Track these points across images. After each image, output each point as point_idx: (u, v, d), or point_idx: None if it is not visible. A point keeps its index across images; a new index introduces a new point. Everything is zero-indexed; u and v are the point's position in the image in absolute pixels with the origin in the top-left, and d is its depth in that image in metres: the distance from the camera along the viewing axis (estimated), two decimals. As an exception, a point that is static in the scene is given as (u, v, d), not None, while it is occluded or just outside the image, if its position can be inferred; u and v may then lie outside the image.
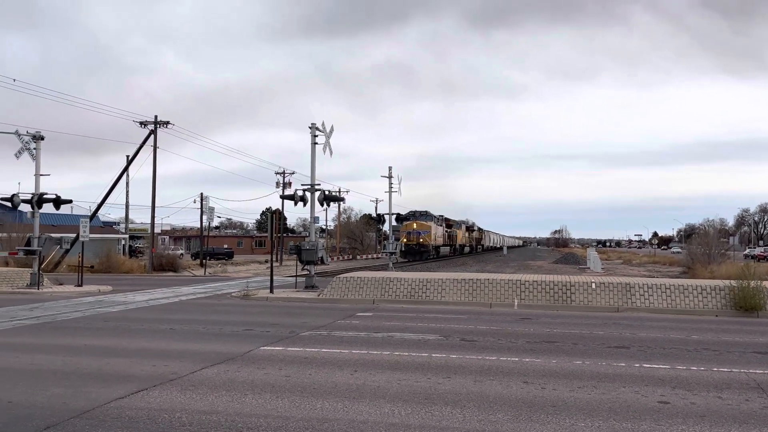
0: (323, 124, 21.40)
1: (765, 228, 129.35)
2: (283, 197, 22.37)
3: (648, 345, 11.25)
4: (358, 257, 73.31)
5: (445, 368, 9.00)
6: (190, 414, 6.54)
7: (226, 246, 79.05)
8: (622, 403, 7.09)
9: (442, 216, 70.74)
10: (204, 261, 44.60)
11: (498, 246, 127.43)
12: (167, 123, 41.51)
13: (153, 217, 42.56)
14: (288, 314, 15.73)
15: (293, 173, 59.12)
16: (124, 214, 53.55)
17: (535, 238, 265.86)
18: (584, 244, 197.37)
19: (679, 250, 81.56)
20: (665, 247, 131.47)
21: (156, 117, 41.05)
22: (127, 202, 49.62)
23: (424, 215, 61.75)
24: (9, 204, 24.14)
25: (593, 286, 17.30)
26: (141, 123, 41.14)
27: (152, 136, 40.54)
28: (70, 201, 25.16)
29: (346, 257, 72.07)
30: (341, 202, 61.80)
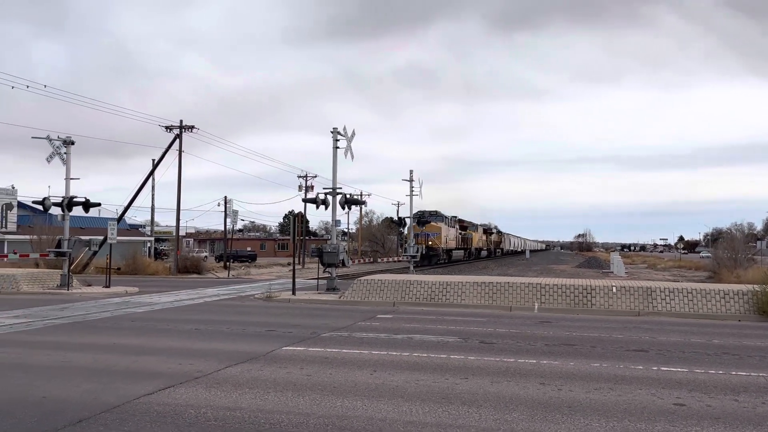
0: (344, 129, 21.70)
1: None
2: (306, 201, 22.72)
3: (667, 349, 11.27)
4: (379, 260, 73.50)
5: (463, 369, 9.15)
6: (215, 410, 6.79)
7: (249, 249, 79.90)
8: (638, 405, 7.18)
9: (455, 217, 65.66)
10: (227, 263, 45.19)
11: (519, 250, 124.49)
12: (192, 127, 42.21)
13: (178, 219, 43.27)
14: (309, 316, 15.98)
15: (315, 176, 59.57)
16: (149, 217, 54.53)
17: (558, 241, 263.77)
18: (608, 248, 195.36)
19: (708, 254, 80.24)
20: (691, 251, 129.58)
21: (181, 121, 41.79)
22: (152, 205, 50.56)
23: (434, 215, 55.97)
24: (41, 207, 24.82)
25: (614, 290, 17.28)
26: (166, 127, 41.88)
27: (177, 140, 41.26)
28: (99, 204, 25.78)
29: (367, 260, 72.36)
30: (363, 206, 62.14)
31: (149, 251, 54.72)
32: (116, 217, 40.54)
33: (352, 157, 21.59)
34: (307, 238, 73.30)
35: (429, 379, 8.46)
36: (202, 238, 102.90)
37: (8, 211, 40.08)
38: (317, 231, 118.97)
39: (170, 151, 41.34)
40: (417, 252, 31.87)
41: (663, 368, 9.38)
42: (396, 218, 44.17)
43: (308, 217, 79.82)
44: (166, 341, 11.66)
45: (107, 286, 24.18)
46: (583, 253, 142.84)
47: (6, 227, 39.74)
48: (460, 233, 67.76)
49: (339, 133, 21.59)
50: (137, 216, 72.15)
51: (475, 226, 77.98)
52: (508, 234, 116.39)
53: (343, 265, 21.82)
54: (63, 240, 24.32)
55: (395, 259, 73.95)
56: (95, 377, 8.37)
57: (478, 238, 79.24)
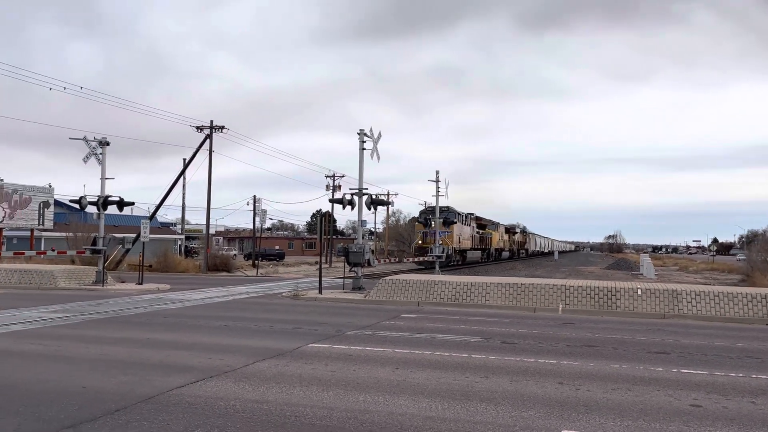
0: (371, 130, 22.02)
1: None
2: (332, 201, 23.07)
3: (690, 351, 11.30)
4: (405, 260, 73.57)
5: (483, 368, 9.35)
6: (243, 402, 7.12)
7: (277, 247, 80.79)
8: (654, 405, 7.31)
9: (472, 214, 60.07)
10: (256, 262, 45.88)
11: (546, 251, 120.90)
12: (222, 127, 42.94)
13: (208, 218, 44.07)
14: (335, 314, 16.32)
15: (343, 176, 60.02)
16: (180, 215, 55.57)
17: (588, 243, 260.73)
18: (639, 249, 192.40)
19: (744, 256, 78.47)
20: (725, 253, 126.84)
21: (211, 122, 42.56)
22: (183, 203, 51.55)
23: (446, 212, 50.16)
24: (77, 205, 25.64)
25: (639, 292, 17.25)
26: (197, 127, 42.68)
27: (208, 140, 42.03)
28: (133, 203, 26.48)
29: (393, 260, 72.46)
30: (389, 206, 61.94)
31: (180, 249, 55.80)
32: (148, 215, 41.50)
33: (378, 158, 21.90)
34: (334, 237, 73.79)
35: (449, 377, 8.70)
36: (232, 236, 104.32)
37: (45, 209, 41.29)
38: (344, 230, 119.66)
39: (201, 150, 42.15)
40: (442, 252, 31.87)
41: (683, 370, 9.46)
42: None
43: (336, 216, 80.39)
44: (197, 337, 12.09)
45: (140, 283, 24.87)
46: (614, 255, 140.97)
47: (43, 225, 40.95)
48: (478, 232, 62.54)
49: (365, 134, 21.92)
50: (168, 214, 73.61)
51: (495, 225, 73.14)
52: (533, 234, 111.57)
53: (369, 264, 22.13)
54: (98, 238, 25.08)
55: (421, 258, 73.17)
56: (131, 370, 8.79)
57: (498, 238, 74.03)
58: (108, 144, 25.12)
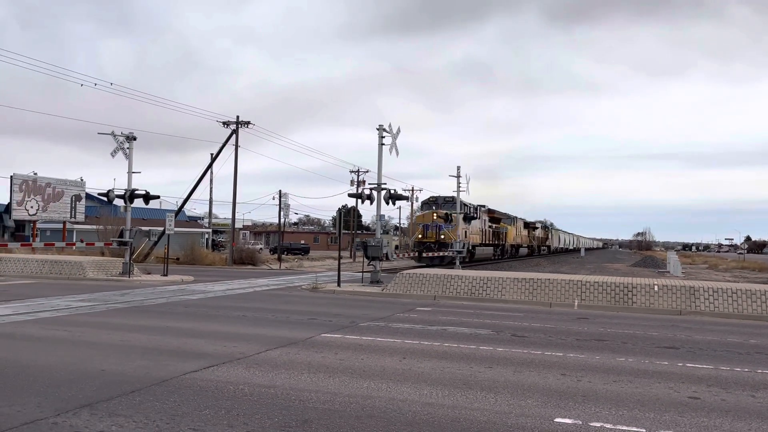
0: (389, 126, 22.24)
1: None
2: (351, 195, 23.36)
3: (700, 347, 11.33)
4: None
5: (489, 359, 9.54)
6: (252, 387, 7.44)
7: (302, 242, 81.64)
8: (652, 397, 7.43)
9: (483, 206, 53.91)
10: (280, 255, 46.52)
11: (571, 248, 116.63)
12: (248, 123, 43.56)
13: (234, 212, 44.80)
14: (351, 306, 16.62)
15: (367, 171, 60.32)
16: (207, 209, 56.50)
17: (616, 240, 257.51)
18: (669, 247, 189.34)
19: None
20: (758, 252, 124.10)
21: (238, 117, 43.19)
22: (210, 198, 52.48)
23: (450, 202, 43.57)
24: (105, 198, 26.40)
25: (655, 288, 17.21)
26: (224, 123, 43.37)
27: (234, 135, 42.70)
28: (158, 197, 27.13)
29: (412, 254, 72.18)
30: (411, 201, 61.41)
31: (207, 242, 56.77)
32: (175, 209, 42.36)
33: (397, 153, 22.11)
34: (359, 232, 74.23)
35: (454, 367, 8.91)
36: (258, 230, 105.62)
37: (77, 202, 42.44)
38: (369, 225, 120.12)
39: (227, 146, 42.87)
40: (463, 247, 31.90)
41: (688, 364, 9.52)
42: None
43: (362, 211, 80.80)
44: (215, 326, 12.48)
45: (165, 275, 25.51)
46: (642, 252, 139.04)
47: (75, 217, 42.10)
48: (490, 226, 56.20)
49: (384, 129, 22.15)
50: (197, 208, 74.81)
51: (512, 219, 66.71)
52: (557, 230, 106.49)
53: (387, 258, 22.39)
54: (125, 230, 25.78)
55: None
56: (148, 355, 9.19)
57: (515, 233, 67.25)
58: (135, 139, 25.77)
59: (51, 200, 40.68)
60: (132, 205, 26.08)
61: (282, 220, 51.49)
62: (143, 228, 29.03)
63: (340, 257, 23.41)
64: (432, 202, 44.70)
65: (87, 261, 25.13)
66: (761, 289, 16.79)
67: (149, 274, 26.57)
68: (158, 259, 36.82)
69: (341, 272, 23.46)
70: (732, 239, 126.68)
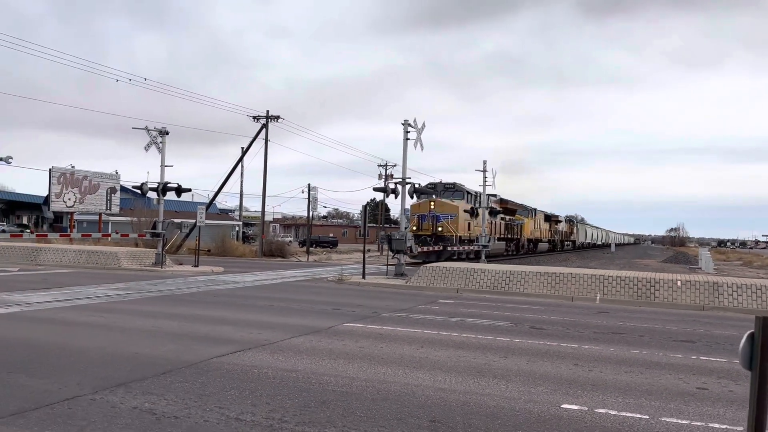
0: (414, 121, 22.54)
1: None
2: (376, 189, 23.76)
3: (717, 341, 11.43)
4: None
5: (504, 350, 9.83)
6: (275, 370, 7.86)
7: (331, 235, 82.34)
8: (661, 387, 7.64)
9: (495, 196, 44.82)
10: (308, 248, 47.18)
11: (599, 243, 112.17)
12: (278, 117, 44.24)
13: (263, 205, 45.60)
14: (374, 298, 17.01)
15: (395, 165, 60.50)
16: (238, 202, 57.48)
17: (649, 235, 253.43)
18: (703, 243, 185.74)
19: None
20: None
21: (267, 112, 43.91)
22: (241, 191, 53.41)
23: (451, 190, 38.78)
24: (139, 191, 27.26)
25: (678, 283, 17.22)
26: (254, 117, 44.14)
27: (264, 129, 43.41)
28: (189, 190, 27.92)
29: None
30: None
31: (237, 235, 57.79)
32: (207, 202, 43.28)
33: (422, 148, 22.42)
34: (387, 225, 74.63)
35: (470, 356, 9.22)
36: (288, 223, 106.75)
37: (112, 195, 43.64)
38: (397, 219, 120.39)
39: (257, 140, 43.64)
40: (488, 241, 32.02)
41: (702, 357, 9.67)
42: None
43: (390, 205, 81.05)
44: (242, 314, 12.99)
45: (196, 266, 26.25)
46: (675, 248, 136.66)
47: (110, 209, 43.27)
48: (503, 218, 49.37)
49: (409, 124, 22.46)
50: (228, 201, 76.07)
51: (529, 211, 59.45)
52: (583, 224, 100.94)
53: (411, 251, 22.71)
54: (158, 222, 26.59)
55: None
56: (179, 340, 9.70)
57: (533, 227, 60.11)
58: (167, 133, 26.53)
59: (87, 192, 41.90)
60: (164, 198, 26.89)
61: (311, 214, 52.12)
62: (175, 220, 29.85)
63: (365, 250, 23.83)
64: (430, 190, 35.50)
65: (121, 251, 26.00)
66: (787, 286, 16.68)
67: (181, 264, 27.35)
68: (190, 250, 37.71)
69: (367, 265, 23.87)
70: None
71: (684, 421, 6.27)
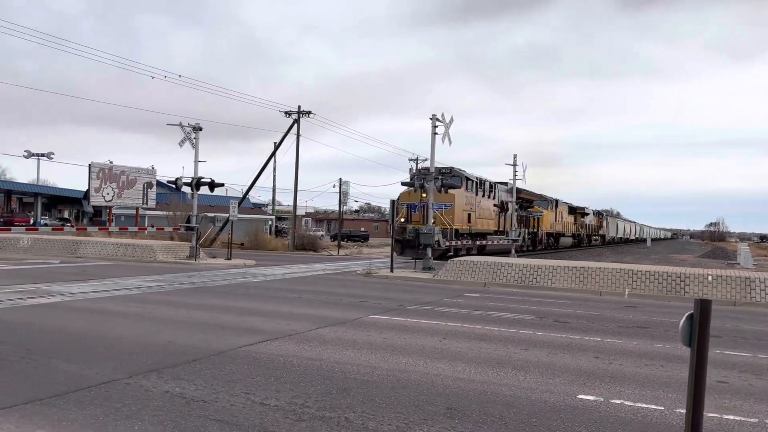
0: (442, 115, 22.65)
1: None
2: (404, 184, 23.94)
3: (744, 336, 11.34)
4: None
5: (526, 342, 9.95)
6: (300, 359, 8.15)
7: (362, 229, 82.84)
8: (679, 379, 7.69)
9: (505, 184, 40.64)
10: (339, 242, 47.66)
11: (632, 237, 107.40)
12: (309, 113, 44.73)
13: (295, 200, 46.16)
14: (401, 291, 17.23)
15: (426, 159, 60.66)
16: (271, 197, 58.24)
17: (687, 230, 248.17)
18: (745, 238, 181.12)
19: None
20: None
21: (299, 107, 44.42)
22: (273, 185, 54.05)
23: (447, 175, 27.91)
24: (174, 186, 27.96)
25: (709, 278, 17.02)
26: (286, 113, 44.71)
27: (296, 125, 43.94)
28: (223, 184, 28.48)
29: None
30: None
31: (270, 229, 58.61)
32: (240, 196, 44.04)
33: (450, 142, 22.52)
34: (417, 220, 74.51)
35: (491, 348, 9.37)
36: (320, 217, 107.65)
37: (148, 189, 44.71)
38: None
39: (289, 135, 44.19)
40: (519, 236, 31.85)
41: (726, 352, 9.64)
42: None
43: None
44: (272, 306, 13.35)
45: (228, 259, 26.85)
46: (714, 243, 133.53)
47: (146, 203, 44.39)
48: (515, 210, 41.67)
49: (437, 119, 22.57)
50: (261, 195, 77.08)
51: (549, 202, 53.55)
52: (614, 217, 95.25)
53: (439, 246, 22.85)
54: (192, 216, 27.26)
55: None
56: (210, 330, 10.07)
57: (553, 219, 54.24)
58: (201, 129, 27.13)
59: (125, 187, 43.03)
60: (198, 193, 27.53)
61: (342, 208, 52.55)
62: (209, 214, 30.55)
63: (393, 244, 24.08)
64: (425, 175, 25.82)
65: (157, 245, 26.74)
66: (822, 281, 16.36)
67: (214, 258, 28.00)
68: (223, 244, 38.51)
69: (395, 258, 24.12)
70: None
71: (699, 413, 6.33)
